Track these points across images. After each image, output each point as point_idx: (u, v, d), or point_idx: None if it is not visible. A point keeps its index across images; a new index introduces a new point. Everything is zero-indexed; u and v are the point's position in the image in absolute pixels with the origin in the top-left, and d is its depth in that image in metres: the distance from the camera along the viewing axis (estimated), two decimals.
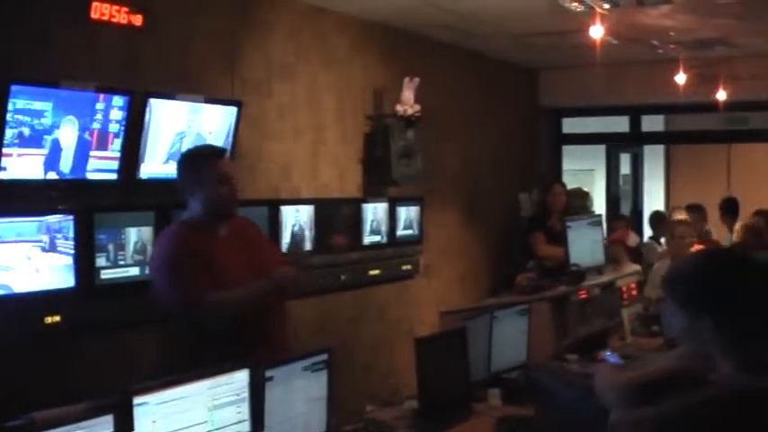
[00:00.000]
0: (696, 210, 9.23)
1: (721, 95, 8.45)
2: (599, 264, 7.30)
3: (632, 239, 9.21)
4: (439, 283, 8.21)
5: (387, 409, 4.77)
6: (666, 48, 8.18)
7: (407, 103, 7.06)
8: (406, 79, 7.12)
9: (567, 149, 11.38)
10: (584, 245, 7.19)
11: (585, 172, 12.41)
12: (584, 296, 6.58)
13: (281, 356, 3.80)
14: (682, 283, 2.61)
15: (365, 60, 7.19)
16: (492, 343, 5.11)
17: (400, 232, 7.40)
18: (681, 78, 7.61)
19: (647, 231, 10.36)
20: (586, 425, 3.35)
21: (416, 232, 7.61)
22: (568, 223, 7.30)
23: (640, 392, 2.04)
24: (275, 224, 5.97)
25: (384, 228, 7.20)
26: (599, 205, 11.00)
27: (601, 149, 12.13)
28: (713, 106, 9.03)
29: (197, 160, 4.31)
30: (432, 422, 4.34)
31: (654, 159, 13.83)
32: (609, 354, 6.24)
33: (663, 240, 9.77)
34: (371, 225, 7.08)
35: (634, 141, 11.77)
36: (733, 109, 9.13)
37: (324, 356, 3.85)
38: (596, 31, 6.28)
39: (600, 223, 7.64)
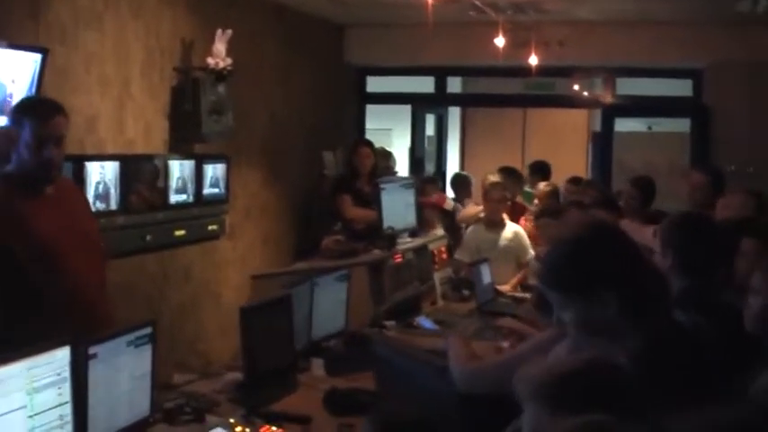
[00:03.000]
0: (510, 173, 9.29)
1: (533, 60, 8.50)
2: (411, 227, 7.24)
3: (448, 203, 9.20)
4: (243, 245, 7.95)
5: (205, 380, 4.52)
6: (480, 10, 8.14)
7: (219, 56, 6.72)
8: (219, 31, 6.77)
9: (367, 108, 11.25)
10: (397, 207, 7.10)
11: (383, 131, 12.34)
12: (399, 260, 6.49)
13: (105, 327, 3.52)
14: (572, 268, 2.48)
15: (174, 11, 6.79)
16: (313, 310, 4.93)
17: (206, 191, 7.07)
18: (500, 41, 7.59)
19: (449, 193, 10.37)
20: (436, 402, 3.23)
21: (223, 191, 7.29)
22: (382, 185, 7.18)
23: (564, 386, 1.87)
24: (79, 181, 5.53)
25: (190, 186, 6.86)
26: (401, 166, 10.94)
27: (399, 109, 12.10)
28: (521, 70, 9.09)
29: (21, 116, 3.98)
30: (257, 395, 4.10)
31: (454, 122, 13.96)
32: (423, 319, 6.19)
33: (465, 202, 9.86)
34: (177, 183, 6.73)
35: (439, 103, 11.76)
36: (540, 74, 9.20)
37: (148, 330, 3.57)
38: None
39: (413, 186, 7.57)
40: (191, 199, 6.87)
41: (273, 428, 3.69)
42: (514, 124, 14.11)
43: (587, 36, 9.31)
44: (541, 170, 10.01)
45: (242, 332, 4.18)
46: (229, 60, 6.75)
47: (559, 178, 9.74)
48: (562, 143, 13.49)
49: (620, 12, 8.96)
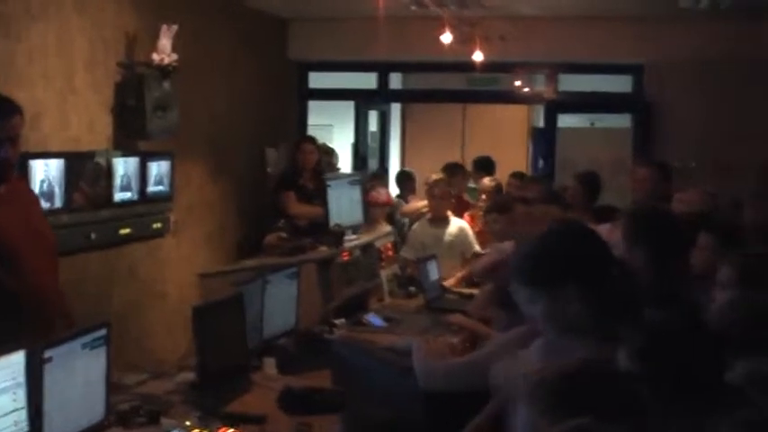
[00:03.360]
0: (455, 169, 9.32)
1: (478, 56, 8.50)
2: (358, 223, 7.23)
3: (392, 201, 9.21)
4: (188, 242, 7.85)
5: (156, 381, 4.46)
6: (423, 4, 8.12)
7: (164, 51, 6.61)
8: (164, 26, 6.66)
9: (309, 105, 11.18)
10: (344, 204, 7.10)
11: (324, 127, 12.28)
12: (346, 257, 6.47)
13: (66, 326, 3.47)
14: (538, 263, 2.49)
15: (119, 4, 6.66)
16: (264, 308, 4.89)
17: (151, 188, 6.96)
18: (447, 38, 7.57)
19: (394, 190, 10.36)
20: (400, 401, 3.21)
21: (167, 189, 7.19)
22: (328, 182, 7.18)
23: (563, 388, 1.86)
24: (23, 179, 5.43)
25: (135, 184, 6.76)
26: (343, 162, 10.90)
27: (340, 105, 12.06)
28: (465, 66, 9.09)
29: None
30: (211, 395, 4.05)
31: (395, 118, 13.93)
32: (372, 316, 6.18)
33: (408, 199, 9.87)
34: (122, 181, 6.62)
35: (383, 98, 11.73)
36: (484, 70, 9.20)
37: (102, 332, 3.51)
38: None
39: (359, 182, 7.57)
40: (135, 197, 6.76)
41: (230, 430, 3.64)
42: (454, 120, 14.14)
43: (530, 32, 9.34)
44: (485, 166, 10.06)
45: (195, 332, 4.11)
46: (175, 56, 6.65)
47: (500, 174, 9.79)
48: (502, 139, 13.55)
49: (562, 7, 9.01)
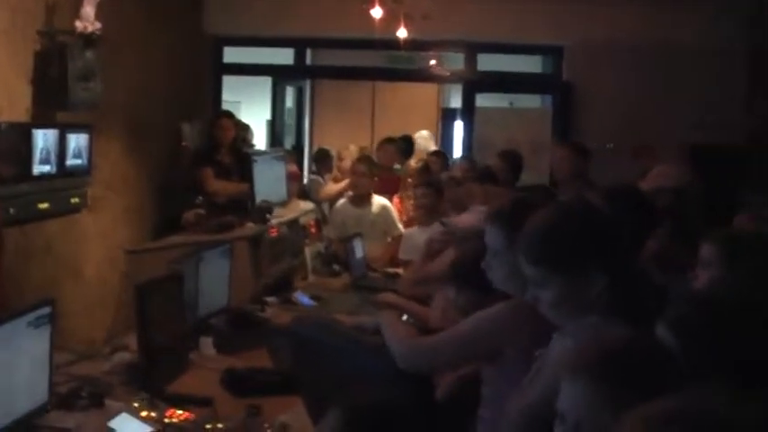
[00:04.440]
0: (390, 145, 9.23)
1: (402, 33, 8.40)
2: (283, 200, 7.12)
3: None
4: (105, 218, 7.61)
5: (89, 362, 4.30)
6: None
7: (87, 19, 6.36)
8: None
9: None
10: (269, 180, 6.99)
11: (233, 104, 12.09)
12: (274, 234, 6.36)
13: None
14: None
15: None
16: (199, 286, 4.76)
17: (69, 162, 6.71)
18: (377, 12, 7.45)
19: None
20: (373, 381, 3.12)
21: (85, 162, 6.93)
22: (254, 158, 7.06)
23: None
24: None
25: (53, 157, 6.50)
26: (259, 139, 10.76)
27: (249, 81, 11.90)
28: (384, 43, 8.98)
29: None
30: (152, 377, 3.92)
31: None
32: (300, 294, 6.09)
33: (326, 178, 9.77)
34: (41, 154, 6.36)
35: (300, 75, 11.57)
36: (404, 48, 9.10)
37: (47, 309, 3.35)
38: None
39: (283, 158, 7.46)
40: (54, 170, 6.51)
41: (179, 412, 3.52)
42: (363, 99, 14.02)
43: (451, 11, 9.30)
44: (406, 149, 9.99)
45: (137, 310, 3.97)
46: (98, 24, 6.40)
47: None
48: (412, 119, 13.49)
49: None
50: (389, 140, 9.44)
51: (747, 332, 2.02)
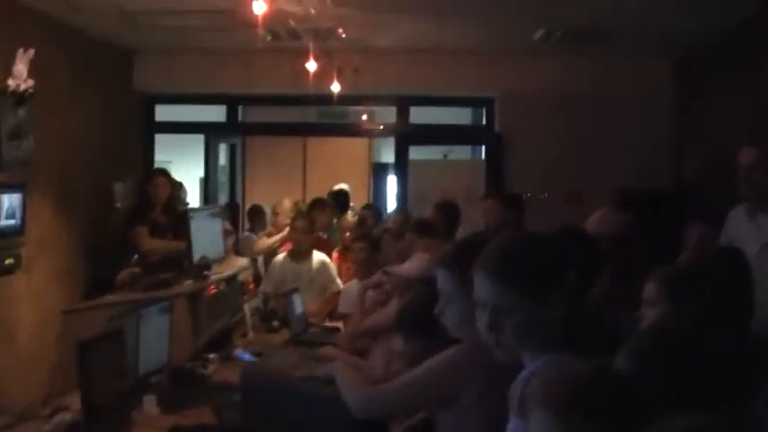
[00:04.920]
0: (323, 205, 9.15)
1: (336, 87, 8.42)
2: (220, 256, 7.05)
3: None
4: (38, 279, 7.48)
5: (27, 424, 4.20)
6: (277, 36, 8.05)
7: (20, 77, 6.30)
8: (20, 50, 6.35)
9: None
10: (206, 237, 6.90)
11: (163, 164, 12.00)
12: (213, 291, 6.29)
13: None
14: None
15: None
16: (139, 344, 4.68)
17: (3, 222, 6.60)
18: (312, 66, 7.45)
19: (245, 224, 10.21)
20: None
21: (19, 222, 6.84)
22: (190, 214, 6.99)
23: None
24: None
25: None
26: (192, 197, 10.67)
27: (181, 140, 11.83)
28: (316, 99, 8.98)
29: None
30: None
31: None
32: (241, 351, 6.01)
33: (259, 235, 9.69)
34: None
35: (232, 132, 11.52)
36: (336, 103, 9.09)
37: None
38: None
39: (219, 215, 7.39)
40: None
41: None
42: (294, 155, 13.99)
43: (382, 64, 9.37)
44: (342, 203, 9.94)
45: (79, 368, 3.88)
46: (31, 82, 6.34)
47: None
48: (343, 173, 13.48)
49: (414, 40, 9.05)
50: (321, 204, 9.18)
51: (698, 358, 2.06)
